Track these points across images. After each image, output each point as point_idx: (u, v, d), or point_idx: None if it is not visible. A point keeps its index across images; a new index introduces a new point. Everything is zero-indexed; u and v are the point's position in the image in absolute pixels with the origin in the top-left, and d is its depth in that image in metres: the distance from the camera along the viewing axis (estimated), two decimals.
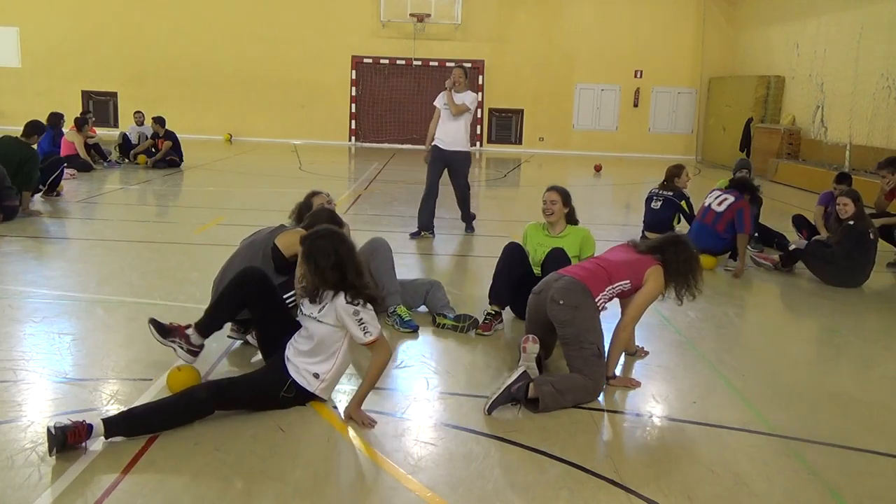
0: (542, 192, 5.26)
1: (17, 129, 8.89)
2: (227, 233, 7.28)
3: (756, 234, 7.88)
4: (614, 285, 4.04)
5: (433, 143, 7.93)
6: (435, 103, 8.01)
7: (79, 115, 13.32)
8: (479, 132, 20.90)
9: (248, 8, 20.53)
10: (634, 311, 4.08)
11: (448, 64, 20.82)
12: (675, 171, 7.92)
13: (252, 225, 5.28)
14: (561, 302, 3.90)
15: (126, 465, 2.95)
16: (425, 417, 3.56)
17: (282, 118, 20.98)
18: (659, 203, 7.77)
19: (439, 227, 8.20)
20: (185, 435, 3.24)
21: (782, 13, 17.80)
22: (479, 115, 20.05)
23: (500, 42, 20.56)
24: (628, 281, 4.06)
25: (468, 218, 8.34)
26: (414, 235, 7.93)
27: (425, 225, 8.01)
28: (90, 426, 3.07)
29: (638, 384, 4.10)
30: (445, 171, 8.00)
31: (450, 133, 7.84)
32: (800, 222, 8.33)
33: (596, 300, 3.96)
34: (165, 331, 3.83)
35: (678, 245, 4.19)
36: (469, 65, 20.69)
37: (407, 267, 6.39)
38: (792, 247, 7.28)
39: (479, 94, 20.45)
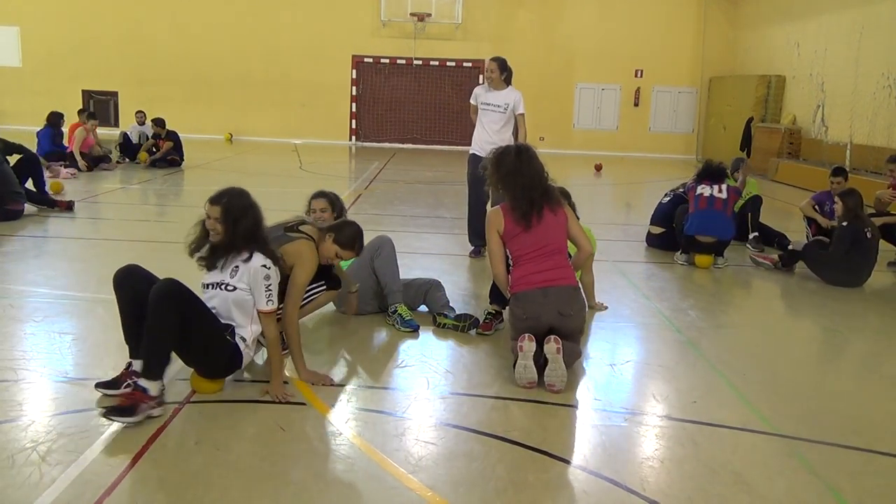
0: None
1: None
2: None
3: (756, 234, 7.90)
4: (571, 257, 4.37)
5: (472, 152, 7.12)
6: (472, 101, 7.31)
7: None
8: None
9: (249, 8, 20.54)
10: (583, 242, 4.33)
11: (448, 63, 20.88)
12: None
13: None
14: (571, 313, 4.02)
15: (126, 465, 2.95)
16: (426, 417, 3.56)
17: (282, 118, 20.99)
18: (668, 198, 7.88)
19: (440, 226, 8.17)
20: (185, 434, 3.25)
21: (783, 13, 17.80)
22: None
23: (500, 42, 20.50)
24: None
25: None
26: (474, 254, 7.19)
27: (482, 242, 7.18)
28: (143, 388, 3.30)
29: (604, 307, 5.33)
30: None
31: (494, 143, 6.65)
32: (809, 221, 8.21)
33: (578, 286, 4.23)
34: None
35: (526, 171, 4.17)
36: (469, 64, 20.72)
37: (406, 266, 6.38)
38: (790, 246, 7.27)
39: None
